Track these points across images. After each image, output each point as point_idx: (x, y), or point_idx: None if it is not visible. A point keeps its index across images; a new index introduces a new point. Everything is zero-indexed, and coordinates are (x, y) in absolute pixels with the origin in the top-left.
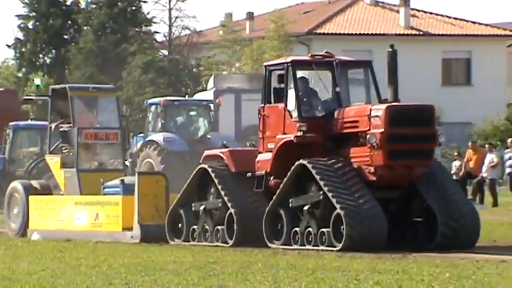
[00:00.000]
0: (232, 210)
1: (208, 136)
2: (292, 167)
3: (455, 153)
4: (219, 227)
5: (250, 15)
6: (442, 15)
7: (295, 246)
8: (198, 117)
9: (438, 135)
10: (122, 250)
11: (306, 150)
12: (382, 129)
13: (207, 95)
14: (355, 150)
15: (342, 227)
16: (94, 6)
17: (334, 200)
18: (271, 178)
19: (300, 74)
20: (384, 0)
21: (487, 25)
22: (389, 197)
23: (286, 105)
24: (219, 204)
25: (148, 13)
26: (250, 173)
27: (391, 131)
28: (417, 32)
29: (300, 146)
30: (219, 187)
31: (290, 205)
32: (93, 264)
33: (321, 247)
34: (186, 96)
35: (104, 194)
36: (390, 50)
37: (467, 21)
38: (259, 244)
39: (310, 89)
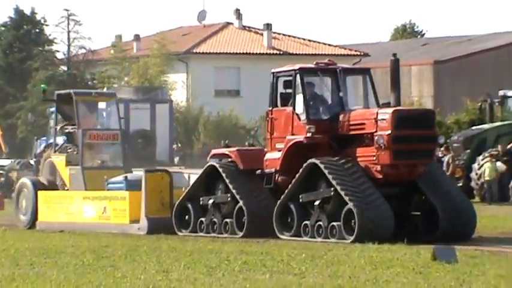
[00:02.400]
0: (242, 204)
1: None
2: (304, 166)
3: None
4: (227, 220)
5: (137, 37)
6: (299, 38)
7: (305, 238)
8: None
9: (438, 137)
10: (27, 236)
11: (313, 150)
12: (389, 131)
13: (101, 105)
14: (362, 150)
15: (353, 220)
16: (3, 28)
17: (346, 197)
18: (280, 175)
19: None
20: (250, 25)
21: (336, 46)
22: (391, 193)
23: (294, 109)
24: (228, 199)
25: (50, 35)
26: (259, 171)
27: (397, 132)
28: (278, 52)
29: (308, 146)
30: (228, 183)
31: (300, 200)
32: (1, 248)
33: (332, 239)
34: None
35: (108, 190)
36: (393, 58)
37: (319, 42)
38: (267, 235)
39: (316, 94)
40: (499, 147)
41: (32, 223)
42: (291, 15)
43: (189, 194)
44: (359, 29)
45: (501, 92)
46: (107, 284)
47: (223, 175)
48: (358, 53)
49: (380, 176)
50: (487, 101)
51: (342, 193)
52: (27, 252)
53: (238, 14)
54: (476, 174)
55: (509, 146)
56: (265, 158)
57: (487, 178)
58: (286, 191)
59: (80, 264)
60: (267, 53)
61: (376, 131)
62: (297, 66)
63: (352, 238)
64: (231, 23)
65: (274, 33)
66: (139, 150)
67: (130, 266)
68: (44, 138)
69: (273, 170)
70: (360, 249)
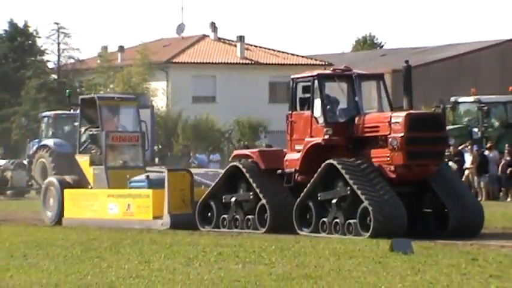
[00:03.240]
0: (264, 202)
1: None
2: (322, 166)
3: None
4: (249, 216)
5: (121, 48)
6: (269, 49)
7: (323, 234)
8: None
9: (448, 138)
10: (20, 230)
11: (331, 151)
12: (402, 133)
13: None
14: (376, 151)
15: (369, 218)
16: None
17: (362, 196)
18: (299, 175)
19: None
20: (225, 37)
21: (303, 56)
22: (404, 191)
23: (312, 112)
24: (250, 197)
25: (41, 46)
26: (280, 170)
27: (410, 134)
28: (250, 62)
29: (326, 147)
30: (251, 181)
31: (319, 198)
32: None
33: (348, 236)
34: (71, 110)
35: (130, 188)
36: (405, 65)
37: (288, 53)
38: (288, 231)
39: (333, 98)
40: (451, 149)
41: (58, 219)
42: (262, 28)
43: (211, 193)
44: (324, 41)
45: (452, 99)
46: (94, 273)
47: (247, 174)
48: (323, 63)
49: (393, 176)
50: (440, 107)
51: (358, 192)
52: (21, 244)
53: (213, 27)
54: None
55: (460, 147)
56: (285, 158)
57: None
58: (305, 190)
59: (70, 255)
60: (240, 63)
61: (390, 133)
62: (315, 73)
63: (368, 234)
64: (207, 35)
65: (247, 44)
66: None
67: (115, 257)
68: (36, 140)
69: (292, 169)
70: (324, 241)
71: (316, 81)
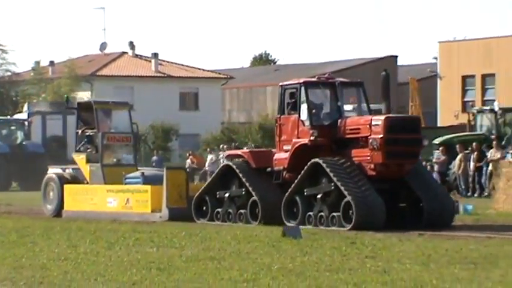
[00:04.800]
0: (255, 197)
1: (24, 143)
2: (308, 164)
3: None
4: (241, 211)
5: (52, 63)
6: (180, 64)
7: (309, 226)
8: (17, 130)
9: (423, 140)
10: None
11: (316, 151)
12: (382, 135)
13: (23, 116)
14: (357, 151)
15: (351, 211)
16: None
17: (345, 191)
18: (287, 172)
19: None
20: (141, 54)
21: (208, 70)
22: (383, 187)
23: (299, 116)
24: (242, 193)
25: None
26: (269, 168)
27: (388, 136)
28: (163, 75)
29: (312, 147)
30: (243, 179)
31: (305, 194)
32: None
33: (332, 227)
34: (8, 116)
35: (125, 184)
36: (384, 74)
37: (195, 67)
38: (277, 223)
39: (317, 103)
40: None
41: (58, 212)
42: (174, 45)
43: (206, 189)
44: (226, 57)
45: None
46: (28, 256)
47: (239, 173)
48: (225, 76)
49: (373, 173)
50: None
51: (342, 188)
52: None
53: (132, 45)
54: None
55: None
56: (274, 157)
57: None
58: (292, 186)
59: (6, 241)
60: (154, 76)
61: (370, 135)
62: (301, 80)
63: (350, 226)
64: (126, 52)
65: (160, 60)
66: (54, 151)
67: (47, 242)
68: None
69: (281, 167)
70: (226, 228)
71: (302, 88)
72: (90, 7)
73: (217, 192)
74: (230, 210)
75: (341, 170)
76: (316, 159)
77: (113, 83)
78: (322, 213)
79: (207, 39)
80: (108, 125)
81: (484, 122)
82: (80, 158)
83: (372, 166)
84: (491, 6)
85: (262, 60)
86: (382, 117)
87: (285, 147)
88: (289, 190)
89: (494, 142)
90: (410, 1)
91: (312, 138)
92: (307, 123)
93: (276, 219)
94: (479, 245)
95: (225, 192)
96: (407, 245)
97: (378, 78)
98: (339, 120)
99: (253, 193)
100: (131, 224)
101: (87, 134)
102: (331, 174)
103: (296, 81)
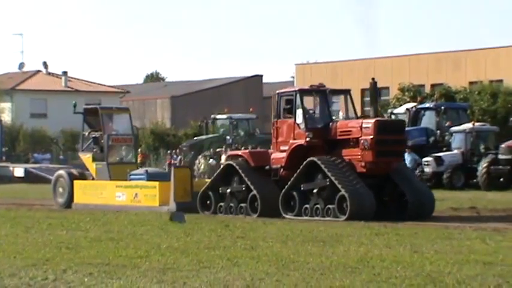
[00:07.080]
0: (255, 192)
1: None
2: (305, 162)
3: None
4: (242, 205)
5: None
6: (85, 80)
7: (305, 218)
8: None
9: (406, 140)
10: None
11: (310, 151)
12: (372, 136)
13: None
14: (348, 150)
15: (345, 204)
16: None
17: (339, 186)
18: (284, 170)
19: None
20: (53, 72)
21: (109, 86)
22: (372, 183)
23: (295, 120)
24: (243, 188)
25: None
26: (268, 166)
27: (378, 137)
28: (71, 89)
29: (307, 148)
30: (243, 176)
31: (302, 188)
32: None
33: (327, 218)
34: None
35: (130, 180)
36: (372, 82)
37: (97, 83)
38: (275, 216)
39: (311, 108)
40: (211, 150)
41: (68, 204)
42: (81, 64)
43: (210, 185)
44: (123, 74)
45: (212, 116)
46: None
47: (239, 171)
48: (123, 91)
49: (363, 170)
50: (204, 121)
51: (336, 182)
52: None
53: (45, 64)
54: (197, 168)
55: (218, 150)
56: (272, 157)
57: (202, 171)
58: (290, 182)
59: None
60: (64, 90)
61: (361, 136)
62: (297, 88)
63: (344, 217)
64: (41, 71)
65: (69, 77)
66: None
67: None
68: None
69: (278, 166)
70: (124, 214)
71: (298, 95)
72: (10, 33)
73: (220, 188)
74: (232, 204)
75: (335, 167)
76: (313, 158)
77: (30, 96)
78: (317, 206)
79: (108, 59)
80: (111, 128)
81: None
82: (86, 157)
83: (363, 164)
84: (338, 34)
85: (154, 78)
86: (373, 120)
87: (281, 148)
88: (287, 185)
89: None
90: (274, 29)
91: (307, 139)
92: (302, 126)
93: (273, 212)
94: (327, 227)
95: (227, 188)
96: (270, 227)
97: (247, 92)
98: (330, 124)
99: (253, 188)
100: (45, 212)
101: (93, 136)
102: (326, 170)
103: (292, 89)
